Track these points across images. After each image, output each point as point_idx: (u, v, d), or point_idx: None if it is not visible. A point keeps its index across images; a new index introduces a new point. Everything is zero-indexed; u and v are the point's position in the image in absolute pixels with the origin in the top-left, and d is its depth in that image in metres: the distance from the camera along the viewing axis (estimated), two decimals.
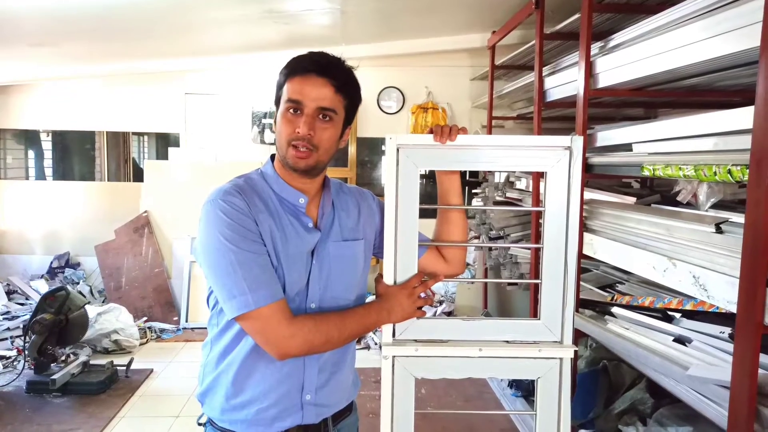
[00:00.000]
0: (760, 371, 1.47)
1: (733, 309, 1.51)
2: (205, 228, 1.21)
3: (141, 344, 4.50)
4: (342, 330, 1.23)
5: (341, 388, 1.38)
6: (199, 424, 1.39)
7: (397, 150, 1.26)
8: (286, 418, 1.29)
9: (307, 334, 1.19)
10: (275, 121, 1.29)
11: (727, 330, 1.85)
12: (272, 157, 1.35)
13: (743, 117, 1.57)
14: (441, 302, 5.03)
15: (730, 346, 1.73)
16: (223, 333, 1.29)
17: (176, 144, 5.50)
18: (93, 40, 4.18)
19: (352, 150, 5.33)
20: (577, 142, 1.24)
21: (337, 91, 1.24)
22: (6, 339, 4.26)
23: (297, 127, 1.22)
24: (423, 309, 1.31)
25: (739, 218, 1.72)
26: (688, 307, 2.16)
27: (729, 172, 1.58)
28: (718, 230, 1.70)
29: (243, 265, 1.17)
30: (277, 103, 1.28)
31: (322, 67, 1.23)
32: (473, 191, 4.66)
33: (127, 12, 3.44)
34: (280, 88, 1.27)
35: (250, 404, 1.28)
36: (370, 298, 1.33)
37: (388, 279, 1.30)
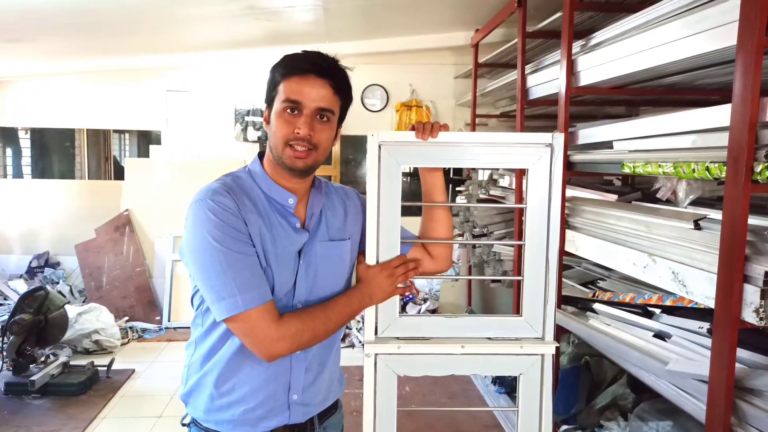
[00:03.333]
0: (737, 365, 1.49)
1: (711, 304, 1.53)
2: (192, 228, 1.19)
3: (122, 344, 4.45)
4: (327, 324, 1.24)
5: (327, 387, 1.37)
6: (183, 425, 1.37)
7: (379, 147, 1.26)
8: (272, 418, 1.28)
9: (294, 334, 1.18)
10: (267, 120, 1.27)
11: (706, 325, 1.87)
12: (260, 155, 1.33)
13: (721, 115, 1.59)
14: (425, 300, 5.05)
15: (708, 341, 1.75)
16: (209, 333, 1.28)
17: (158, 142, 5.44)
18: (72, 36, 4.11)
19: (335, 148, 5.31)
20: (559, 139, 1.25)
21: (335, 93, 1.24)
22: None
23: (296, 127, 1.21)
24: (403, 286, 1.30)
25: (717, 215, 1.74)
26: (668, 303, 2.18)
27: (707, 169, 1.60)
28: (697, 227, 1.72)
29: (232, 267, 1.16)
30: (269, 101, 1.26)
31: (321, 69, 1.22)
32: (457, 189, 4.68)
33: (107, 7, 3.39)
34: (274, 86, 1.25)
35: (236, 404, 1.27)
36: None
37: None
